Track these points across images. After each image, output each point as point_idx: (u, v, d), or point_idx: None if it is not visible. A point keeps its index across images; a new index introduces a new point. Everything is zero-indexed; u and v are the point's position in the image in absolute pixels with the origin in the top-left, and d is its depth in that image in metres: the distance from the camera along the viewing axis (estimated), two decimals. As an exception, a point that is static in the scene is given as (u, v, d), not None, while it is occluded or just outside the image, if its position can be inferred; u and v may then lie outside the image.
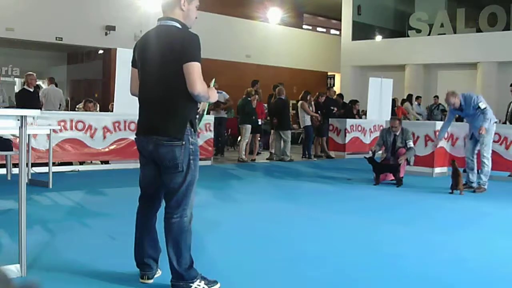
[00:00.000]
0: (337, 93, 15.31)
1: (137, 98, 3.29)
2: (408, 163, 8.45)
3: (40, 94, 11.24)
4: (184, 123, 3.10)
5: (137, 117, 3.29)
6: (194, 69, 3.01)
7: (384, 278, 3.64)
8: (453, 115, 8.14)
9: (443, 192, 7.57)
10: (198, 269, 3.23)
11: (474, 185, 7.84)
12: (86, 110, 10.19)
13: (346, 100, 15.27)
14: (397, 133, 8.50)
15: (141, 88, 3.24)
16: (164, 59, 3.08)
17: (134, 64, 3.32)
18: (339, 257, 4.13)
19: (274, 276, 3.64)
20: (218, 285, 3.27)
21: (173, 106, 3.09)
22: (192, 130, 3.16)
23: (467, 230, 5.30)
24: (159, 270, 3.42)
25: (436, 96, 16.96)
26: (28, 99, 9.73)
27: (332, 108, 13.19)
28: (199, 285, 3.16)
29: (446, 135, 8.48)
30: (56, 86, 12.52)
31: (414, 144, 8.83)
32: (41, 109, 9.97)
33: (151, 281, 3.33)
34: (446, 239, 4.85)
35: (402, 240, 4.74)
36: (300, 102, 12.65)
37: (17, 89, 16.33)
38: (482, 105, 7.58)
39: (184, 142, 3.10)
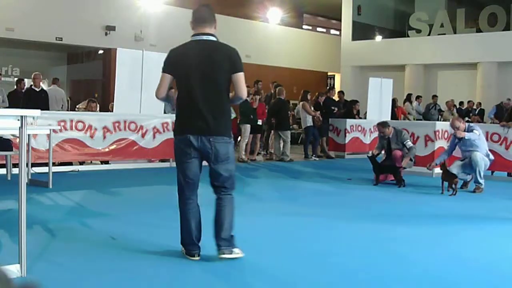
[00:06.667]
0: (337, 91, 15.28)
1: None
2: (413, 163, 8.43)
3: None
4: (230, 123, 3.82)
5: (180, 118, 3.79)
6: (243, 78, 3.74)
7: (384, 277, 3.65)
8: (454, 146, 8.05)
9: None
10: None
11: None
12: (89, 110, 10.18)
13: (347, 99, 15.24)
14: (390, 136, 8.46)
15: (189, 94, 3.72)
16: (220, 69, 3.67)
17: (167, 70, 3.77)
18: (339, 257, 4.14)
19: (274, 276, 3.64)
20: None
21: (223, 109, 3.74)
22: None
23: (467, 230, 5.30)
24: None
25: (435, 96, 16.92)
26: (35, 98, 9.75)
27: (332, 108, 13.19)
28: (238, 252, 3.78)
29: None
30: (59, 86, 12.56)
31: (414, 143, 8.82)
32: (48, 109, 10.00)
33: (198, 258, 3.79)
34: (446, 239, 4.86)
35: (402, 240, 4.74)
36: (301, 102, 12.63)
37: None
38: (477, 131, 7.66)
39: (232, 139, 3.80)
